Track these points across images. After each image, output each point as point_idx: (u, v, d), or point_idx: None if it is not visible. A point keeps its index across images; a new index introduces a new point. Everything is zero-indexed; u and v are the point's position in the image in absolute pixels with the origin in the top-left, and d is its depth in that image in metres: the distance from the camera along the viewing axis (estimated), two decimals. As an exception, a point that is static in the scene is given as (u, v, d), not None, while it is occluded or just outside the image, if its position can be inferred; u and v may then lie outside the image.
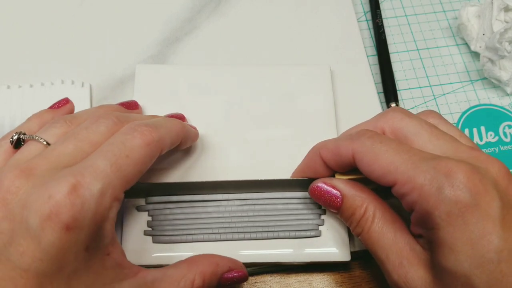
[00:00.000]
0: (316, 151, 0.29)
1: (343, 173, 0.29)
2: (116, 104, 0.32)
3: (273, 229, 0.30)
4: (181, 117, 0.33)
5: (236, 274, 0.28)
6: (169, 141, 0.28)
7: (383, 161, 0.26)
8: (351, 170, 0.28)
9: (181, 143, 0.29)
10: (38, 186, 0.23)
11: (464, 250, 0.23)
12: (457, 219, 0.23)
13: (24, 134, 0.27)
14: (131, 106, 0.32)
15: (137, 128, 0.26)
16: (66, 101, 0.31)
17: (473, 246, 0.23)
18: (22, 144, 0.26)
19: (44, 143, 0.26)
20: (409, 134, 0.27)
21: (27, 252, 0.21)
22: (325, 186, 0.29)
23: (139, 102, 0.33)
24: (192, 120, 0.33)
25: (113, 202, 0.24)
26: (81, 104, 0.34)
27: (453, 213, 0.23)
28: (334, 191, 0.28)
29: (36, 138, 0.26)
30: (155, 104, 0.34)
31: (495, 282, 0.22)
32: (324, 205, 0.29)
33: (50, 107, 0.30)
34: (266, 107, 0.34)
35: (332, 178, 0.29)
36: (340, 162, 0.28)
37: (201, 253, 0.29)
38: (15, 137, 0.26)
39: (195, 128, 0.32)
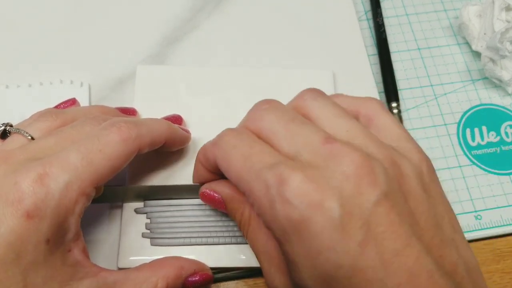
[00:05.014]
0: (197, 155, 0.28)
1: None
2: (114, 108, 0.31)
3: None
4: (178, 118, 0.32)
5: (201, 277, 0.27)
6: (149, 140, 0.27)
7: (233, 168, 0.24)
8: None
9: (166, 144, 0.29)
10: (8, 173, 0.23)
11: (306, 267, 0.21)
12: (293, 236, 0.21)
13: (11, 126, 0.27)
14: (128, 111, 0.32)
15: (116, 124, 0.26)
16: (73, 102, 0.31)
17: (313, 263, 0.21)
18: (8, 136, 0.27)
19: (29, 137, 0.26)
20: (268, 134, 0.24)
21: None
22: (208, 191, 0.28)
23: (140, 103, 0.33)
24: (192, 121, 0.33)
25: (80, 196, 0.24)
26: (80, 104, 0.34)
27: (288, 230, 0.21)
28: (216, 195, 0.27)
29: (21, 132, 0.26)
30: (156, 105, 0.34)
31: None
32: (217, 209, 0.28)
33: (56, 107, 0.30)
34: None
35: (214, 182, 0.28)
36: (213, 167, 0.26)
37: (199, 256, 0.29)
38: (1, 128, 0.27)
39: (187, 132, 0.31)
